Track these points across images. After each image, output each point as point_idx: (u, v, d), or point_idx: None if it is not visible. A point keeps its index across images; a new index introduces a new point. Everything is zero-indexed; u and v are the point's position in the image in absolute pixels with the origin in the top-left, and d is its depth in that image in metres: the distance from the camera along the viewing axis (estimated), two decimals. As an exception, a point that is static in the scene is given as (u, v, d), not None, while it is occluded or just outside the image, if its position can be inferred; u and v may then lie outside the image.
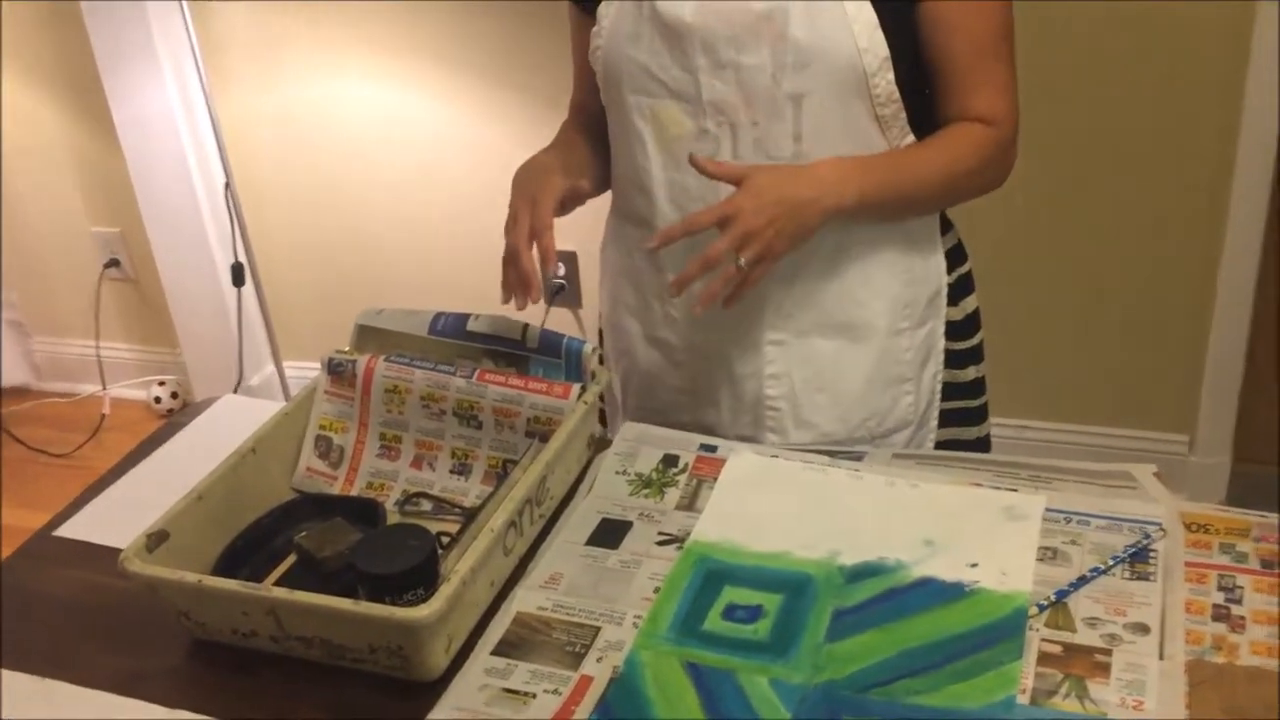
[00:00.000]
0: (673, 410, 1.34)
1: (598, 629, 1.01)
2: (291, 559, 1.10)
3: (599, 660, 0.98)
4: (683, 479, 1.19)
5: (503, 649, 1.00)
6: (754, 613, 1.01)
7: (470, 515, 1.12)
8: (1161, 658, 0.92)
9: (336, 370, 1.24)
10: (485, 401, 1.20)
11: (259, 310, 2.77)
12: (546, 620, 1.03)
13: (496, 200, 2.52)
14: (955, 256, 1.32)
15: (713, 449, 1.22)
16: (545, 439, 1.15)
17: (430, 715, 0.94)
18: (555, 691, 0.95)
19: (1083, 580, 1.00)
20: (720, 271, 1.12)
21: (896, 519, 1.10)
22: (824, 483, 1.16)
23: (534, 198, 1.21)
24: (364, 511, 1.14)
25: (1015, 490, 1.12)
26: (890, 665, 0.94)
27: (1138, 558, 1.02)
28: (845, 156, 1.17)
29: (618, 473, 1.21)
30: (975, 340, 1.35)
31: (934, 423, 1.33)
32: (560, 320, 2.68)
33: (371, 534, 1.05)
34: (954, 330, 1.32)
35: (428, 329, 1.25)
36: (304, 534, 1.09)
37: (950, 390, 1.34)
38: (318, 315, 2.92)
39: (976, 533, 1.07)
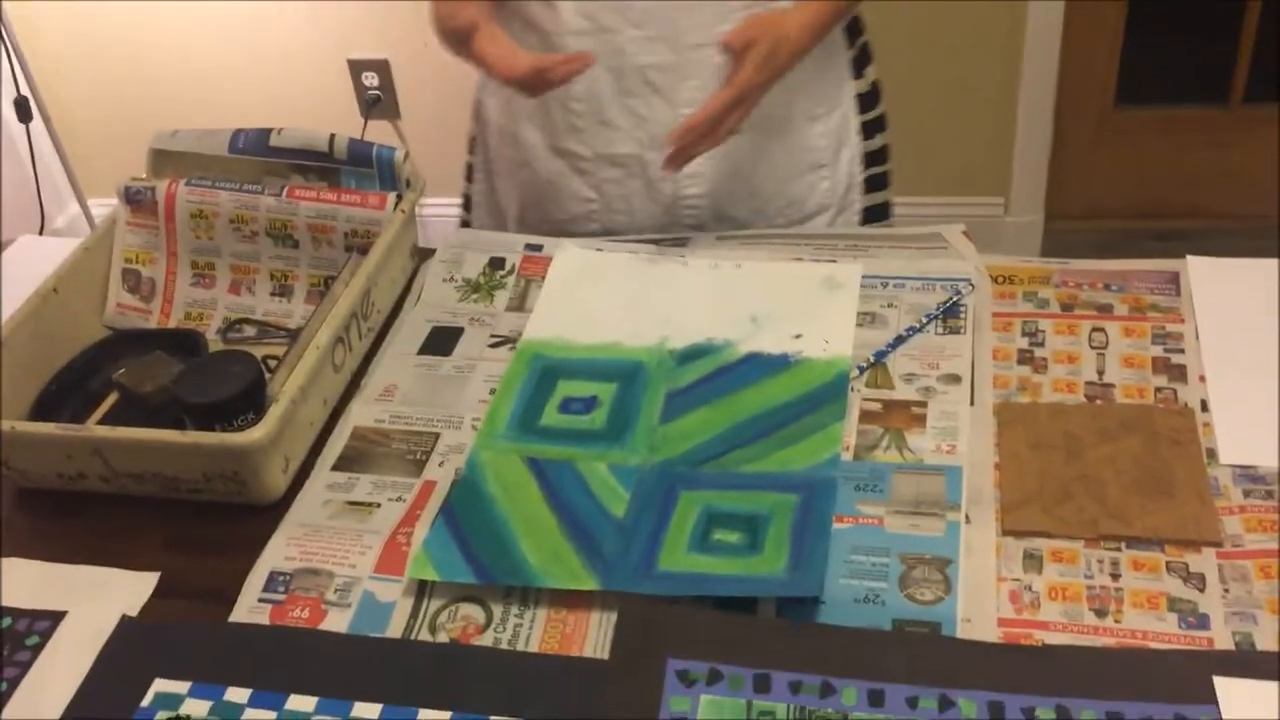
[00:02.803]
0: (580, 221, 1.29)
1: (437, 435, 1.02)
2: (113, 398, 1.06)
3: (440, 465, 0.99)
4: (511, 280, 1.18)
5: (343, 464, 1.00)
6: (589, 404, 1.03)
7: (296, 336, 1.09)
8: (972, 404, 0.98)
9: (135, 199, 1.18)
10: (299, 219, 1.16)
11: (52, 147, 2.59)
12: (385, 432, 1.03)
13: (289, 8, 2.35)
14: (853, 28, 1.28)
15: (538, 248, 1.22)
16: (365, 252, 1.12)
17: (275, 535, 0.94)
18: (399, 499, 0.96)
19: (899, 340, 1.05)
20: (713, 136, 1.09)
21: (722, 300, 1.12)
22: (650, 271, 1.17)
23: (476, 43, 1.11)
24: (184, 343, 1.11)
25: (834, 261, 1.15)
26: (722, 439, 0.98)
27: (949, 313, 1.07)
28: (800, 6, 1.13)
29: (445, 280, 1.19)
30: (880, 110, 1.33)
31: (857, 204, 1.31)
32: (380, 132, 2.59)
33: (193, 364, 1.02)
34: (860, 102, 1.29)
35: (228, 148, 1.19)
36: (122, 371, 1.06)
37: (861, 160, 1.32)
38: (118, 147, 2.74)
39: (799, 305, 1.10)
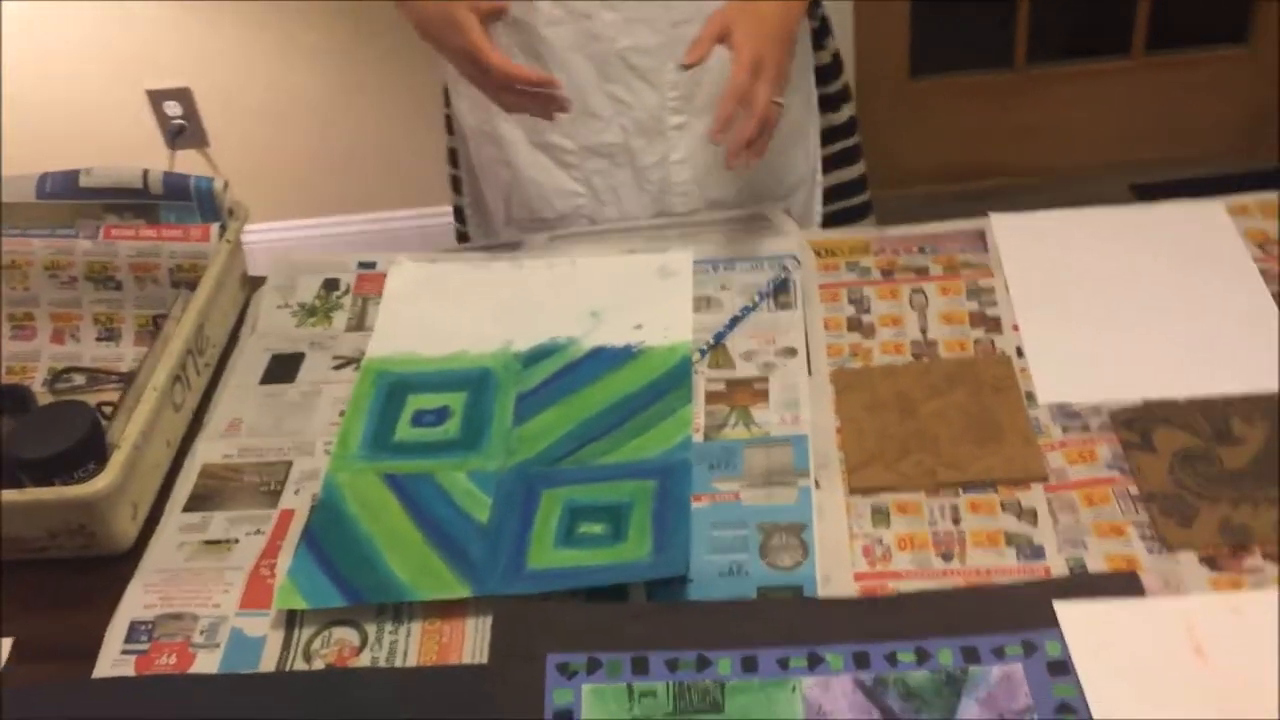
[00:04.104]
0: (570, 216, 1.26)
1: (289, 463, 1.01)
2: (-61, 465, 1.02)
3: (296, 493, 0.98)
4: (347, 300, 1.18)
5: (194, 504, 0.98)
6: (441, 415, 1.04)
7: (129, 380, 1.06)
8: (810, 374, 1.03)
9: (-61, 256, 1.13)
10: (119, 259, 1.12)
11: None
12: (234, 467, 1.01)
13: (78, 41, 2.26)
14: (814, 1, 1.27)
15: (371, 265, 1.21)
16: (194, 286, 1.10)
17: (131, 583, 0.92)
18: (257, 532, 0.95)
19: (735, 320, 1.09)
20: (760, 114, 1.04)
21: (561, 298, 1.14)
22: (486, 278, 1.18)
23: (461, 44, 1.07)
24: (11, 399, 1.07)
25: (666, 250, 1.18)
26: (575, 435, 1.00)
27: (779, 290, 1.11)
28: None
29: (279, 307, 1.18)
30: (842, 81, 1.34)
31: (819, 175, 1.32)
32: (189, 162, 2.51)
33: (24, 419, 0.99)
34: (822, 74, 1.30)
35: (35, 193, 1.14)
36: (-53, 436, 1.01)
37: (828, 134, 1.34)
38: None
39: (636, 296, 1.13)
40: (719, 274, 1.15)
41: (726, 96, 1.04)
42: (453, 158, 1.38)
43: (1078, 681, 0.76)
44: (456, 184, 1.39)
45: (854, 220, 1.40)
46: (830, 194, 1.36)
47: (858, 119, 1.38)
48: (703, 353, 1.06)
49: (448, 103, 1.33)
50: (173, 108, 2.44)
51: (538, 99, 1.10)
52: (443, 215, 1.51)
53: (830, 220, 1.36)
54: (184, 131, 2.47)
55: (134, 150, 2.47)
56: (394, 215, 2.63)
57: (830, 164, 1.36)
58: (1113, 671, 0.76)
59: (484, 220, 1.36)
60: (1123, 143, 2.64)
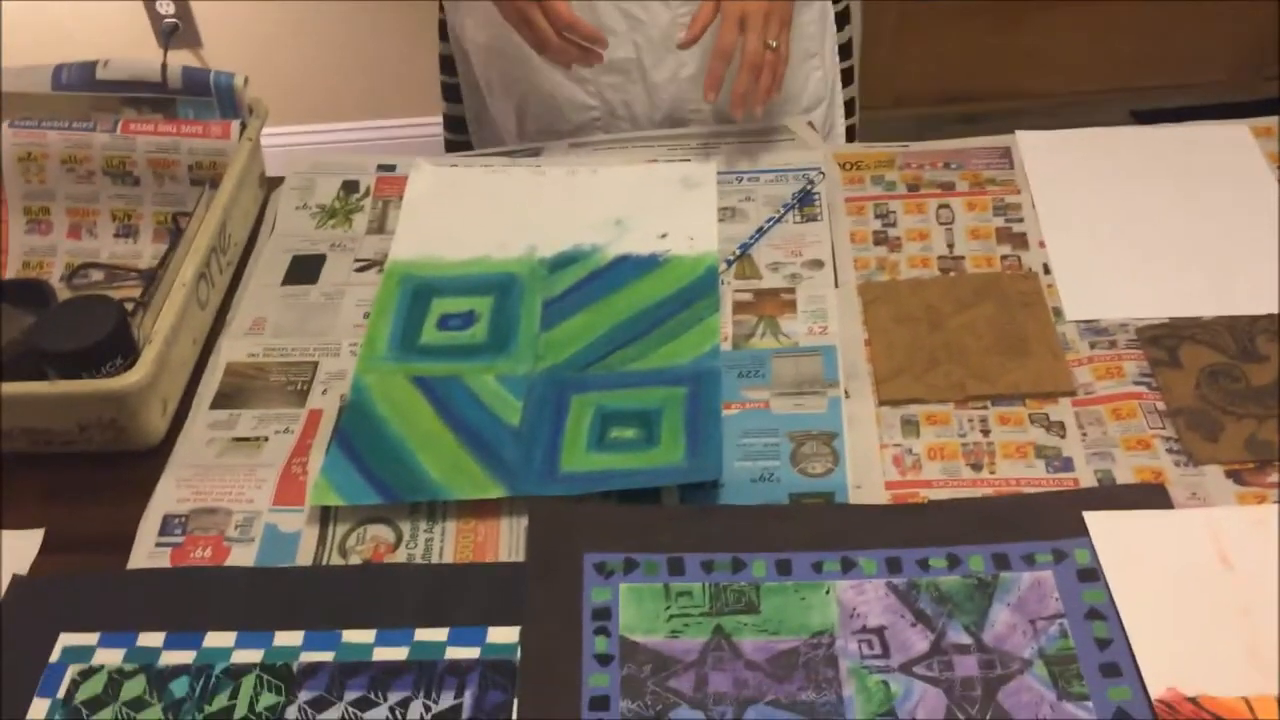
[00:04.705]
0: (585, 129, 1.27)
1: (316, 364, 1.01)
2: (-40, 357, 1.01)
3: (324, 393, 0.98)
4: (367, 203, 1.17)
5: (221, 401, 0.98)
6: (467, 319, 1.03)
7: (151, 276, 1.06)
8: (836, 286, 1.03)
9: (-47, 146, 1.11)
10: (137, 154, 1.11)
11: None
12: (260, 366, 1.01)
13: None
14: None
15: (391, 168, 1.20)
16: (215, 184, 1.09)
17: (163, 478, 0.92)
18: (286, 430, 0.95)
19: (760, 232, 1.08)
20: (748, 63, 1.08)
21: (584, 206, 1.13)
22: (508, 183, 1.17)
23: None
24: (30, 293, 1.05)
25: (688, 160, 1.18)
26: (604, 341, 1.00)
27: (804, 202, 1.11)
28: None
29: (298, 208, 1.17)
30: (844, 3, 1.34)
31: (840, 97, 1.32)
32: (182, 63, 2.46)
33: (47, 313, 0.98)
34: None
35: (50, 84, 1.12)
36: (-33, 329, 1.00)
37: None
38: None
39: (660, 205, 1.12)
40: (743, 185, 1.14)
41: (714, 55, 1.08)
42: (444, 65, 1.36)
43: (1107, 588, 0.78)
44: (449, 91, 1.37)
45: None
46: None
47: (854, 42, 1.38)
48: (729, 263, 1.06)
49: (442, 8, 1.32)
50: (165, 6, 2.38)
51: (577, 50, 1.10)
52: (438, 124, 1.50)
53: None
54: (177, 30, 2.42)
55: (126, 50, 2.42)
56: (387, 124, 2.59)
57: None
58: (1141, 578, 0.78)
59: (491, 134, 1.35)
60: (1124, 68, 2.62)
